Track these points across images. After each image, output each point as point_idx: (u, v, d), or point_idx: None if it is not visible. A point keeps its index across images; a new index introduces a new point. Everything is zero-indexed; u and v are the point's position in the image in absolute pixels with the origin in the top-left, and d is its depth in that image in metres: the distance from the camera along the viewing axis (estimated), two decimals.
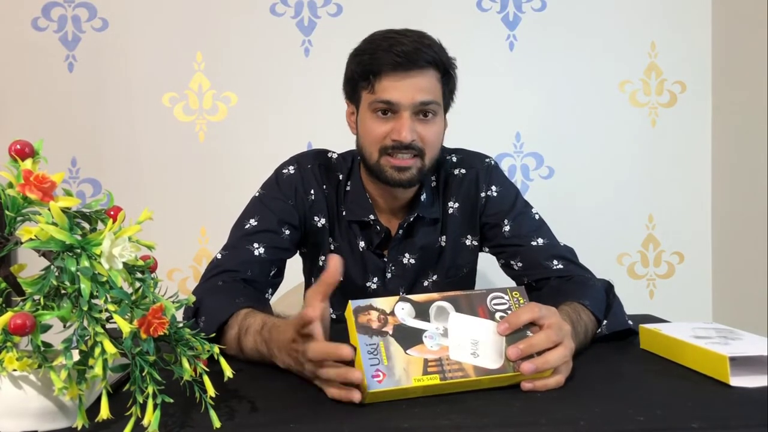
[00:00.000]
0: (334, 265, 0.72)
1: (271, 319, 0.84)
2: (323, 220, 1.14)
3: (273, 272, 1.08)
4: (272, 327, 0.80)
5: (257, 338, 0.82)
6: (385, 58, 1.00)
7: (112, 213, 0.63)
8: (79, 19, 1.91)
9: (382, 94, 1.01)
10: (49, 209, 0.56)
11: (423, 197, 1.14)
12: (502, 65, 1.98)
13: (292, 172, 1.14)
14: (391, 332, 0.70)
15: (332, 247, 1.16)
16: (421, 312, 0.73)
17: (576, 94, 1.99)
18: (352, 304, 0.72)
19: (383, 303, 0.72)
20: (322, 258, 1.17)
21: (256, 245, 1.05)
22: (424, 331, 0.72)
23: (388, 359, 0.68)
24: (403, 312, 0.72)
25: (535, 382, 0.71)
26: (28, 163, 0.58)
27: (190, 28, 1.93)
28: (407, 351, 0.70)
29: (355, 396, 0.66)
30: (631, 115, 2.01)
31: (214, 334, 0.83)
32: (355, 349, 0.69)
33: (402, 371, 0.68)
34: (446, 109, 1.10)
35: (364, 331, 0.70)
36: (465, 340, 0.72)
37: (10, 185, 0.58)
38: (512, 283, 1.16)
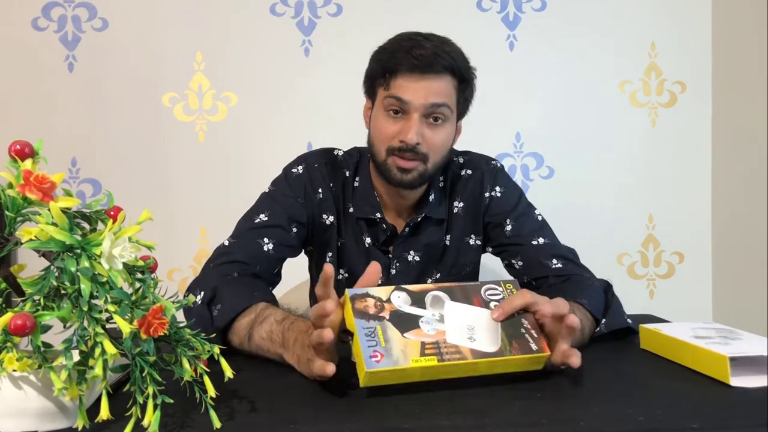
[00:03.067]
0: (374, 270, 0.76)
1: (293, 315, 0.86)
2: (332, 218, 1.15)
3: (276, 270, 1.09)
4: (294, 320, 0.83)
5: (275, 327, 0.83)
6: (404, 59, 1.01)
7: (112, 213, 0.63)
8: (79, 19, 1.91)
9: (395, 91, 1.03)
10: (49, 209, 0.56)
11: (431, 197, 1.14)
12: (502, 65, 1.98)
13: (300, 171, 1.15)
14: (387, 317, 0.71)
15: (339, 244, 1.17)
16: (417, 300, 0.74)
17: (576, 94, 1.99)
18: (348, 292, 0.73)
19: (379, 291, 0.73)
20: (330, 255, 1.17)
21: (266, 240, 1.05)
22: (421, 317, 0.72)
23: (386, 342, 0.69)
24: (399, 300, 0.73)
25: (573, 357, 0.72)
26: (28, 164, 0.58)
27: (190, 28, 1.93)
28: (404, 334, 0.70)
29: (329, 369, 0.68)
30: (631, 115, 2.01)
31: (214, 334, 0.83)
32: (351, 334, 0.70)
33: (400, 353, 0.68)
34: (460, 116, 1.12)
35: (361, 316, 0.70)
36: (461, 326, 0.73)
37: (10, 185, 0.58)
38: None
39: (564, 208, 1.95)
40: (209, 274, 0.97)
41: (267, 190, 1.15)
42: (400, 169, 1.05)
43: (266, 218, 1.08)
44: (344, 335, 0.80)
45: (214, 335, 0.82)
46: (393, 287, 0.74)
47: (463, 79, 1.07)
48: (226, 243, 1.05)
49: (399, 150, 1.04)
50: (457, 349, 0.70)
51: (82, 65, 1.91)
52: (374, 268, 0.76)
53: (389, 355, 0.68)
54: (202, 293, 0.91)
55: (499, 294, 0.77)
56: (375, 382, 0.68)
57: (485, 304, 0.75)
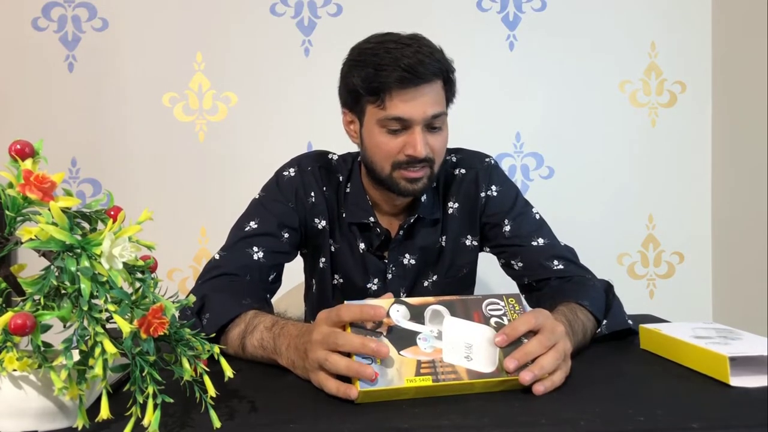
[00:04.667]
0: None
1: (283, 319, 0.85)
2: (324, 222, 1.14)
3: (272, 277, 1.08)
4: (284, 324, 0.82)
5: (265, 335, 0.82)
6: (392, 74, 0.98)
7: (112, 213, 0.63)
8: (79, 19, 1.91)
9: (394, 111, 1.00)
10: (49, 209, 0.56)
11: (423, 198, 1.14)
12: (502, 65, 1.98)
13: (292, 174, 1.14)
14: (385, 333, 0.70)
15: (333, 249, 1.16)
16: (416, 315, 0.73)
17: (576, 94, 1.99)
18: (346, 304, 0.72)
19: (378, 304, 0.72)
20: (323, 260, 1.17)
21: (255, 249, 1.05)
22: (418, 333, 0.72)
23: (381, 359, 0.68)
24: (398, 314, 0.72)
25: (545, 383, 0.71)
26: (28, 163, 0.58)
27: (190, 28, 1.93)
28: (401, 352, 0.70)
29: (353, 393, 0.67)
30: (631, 115, 2.01)
31: (214, 334, 0.84)
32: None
33: (395, 372, 0.68)
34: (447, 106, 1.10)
35: (358, 332, 0.70)
36: (459, 344, 0.72)
37: (10, 185, 0.58)
38: (512, 283, 1.16)
39: (564, 209, 1.95)
40: (200, 288, 0.97)
41: (257, 197, 1.14)
42: (409, 180, 1.04)
43: (256, 226, 1.07)
44: None
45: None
46: (392, 300, 0.74)
47: (448, 78, 1.05)
48: (217, 256, 1.05)
49: (407, 163, 1.03)
50: (453, 369, 0.70)
51: (82, 65, 1.91)
52: (387, 296, 0.76)
53: (384, 374, 0.67)
54: (193, 304, 0.91)
55: (501, 309, 0.76)
56: (368, 400, 0.68)
57: (485, 320, 0.74)
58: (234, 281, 1.00)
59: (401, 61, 0.98)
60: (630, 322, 0.97)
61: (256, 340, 0.83)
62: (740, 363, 0.74)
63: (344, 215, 1.14)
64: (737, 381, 0.72)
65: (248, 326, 0.85)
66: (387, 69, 0.98)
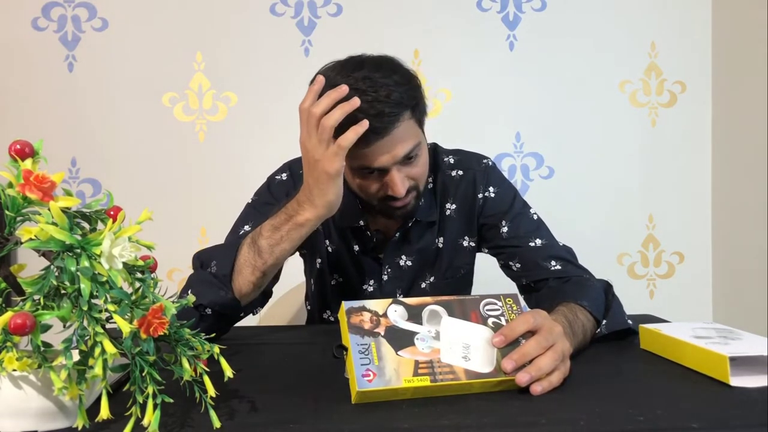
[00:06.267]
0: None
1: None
2: None
3: None
4: (278, 207, 0.94)
5: (271, 222, 0.93)
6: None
7: (112, 213, 0.63)
8: (79, 19, 1.91)
9: (364, 162, 0.96)
10: (49, 209, 0.56)
11: (421, 201, 1.13)
12: (502, 65, 1.98)
13: (284, 178, 1.15)
14: (383, 333, 0.71)
15: (329, 250, 1.16)
16: (414, 315, 0.73)
17: (576, 94, 1.99)
18: (345, 305, 0.72)
19: (376, 305, 0.73)
20: (319, 260, 1.17)
21: None
22: (416, 333, 0.72)
23: (379, 359, 0.68)
24: (396, 314, 0.73)
25: (542, 383, 0.71)
26: (28, 163, 0.58)
27: (190, 28, 1.93)
28: (398, 352, 0.70)
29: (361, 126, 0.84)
30: (631, 115, 2.01)
31: (214, 334, 0.83)
32: (346, 348, 0.70)
33: (393, 372, 0.68)
34: (422, 125, 1.04)
35: (356, 332, 0.70)
36: (457, 344, 0.72)
37: (10, 185, 0.58)
38: (511, 284, 1.16)
39: (564, 209, 1.95)
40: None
41: (249, 201, 1.15)
42: (398, 207, 1.04)
43: (249, 228, 1.07)
44: (338, 350, 0.80)
45: (227, 298, 0.93)
46: (390, 300, 0.74)
47: (415, 104, 0.99)
48: None
49: (391, 198, 1.01)
50: (451, 369, 0.70)
51: (82, 65, 1.91)
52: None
53: (382, 374, 0.67)
54: (193, 270, 0.98)
55: (498, 309, 0.76)
56: (366, 400, 0.68)
57: (483, 321, 0.75)
58: None
59: (359, 117, 0.89)
60: (630, 321, 0.97)
61: (266, 233, 0.91)
62: (740, 363, 0.75)
63: (336, 218, 1.14)
64: (737, 381, 0.72)
65: (253, 237, 0.93)
66: (347, 128, 0.89)
